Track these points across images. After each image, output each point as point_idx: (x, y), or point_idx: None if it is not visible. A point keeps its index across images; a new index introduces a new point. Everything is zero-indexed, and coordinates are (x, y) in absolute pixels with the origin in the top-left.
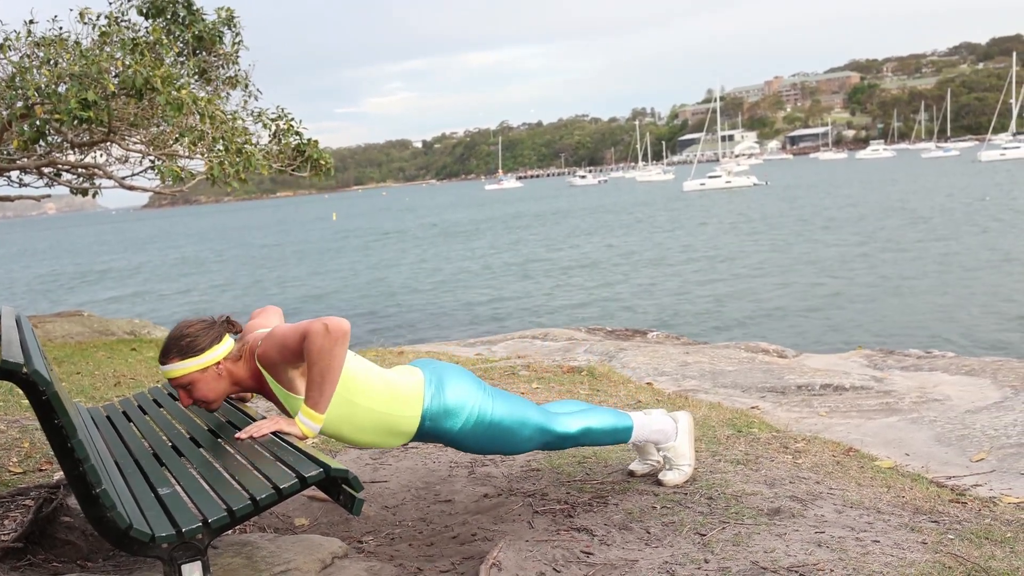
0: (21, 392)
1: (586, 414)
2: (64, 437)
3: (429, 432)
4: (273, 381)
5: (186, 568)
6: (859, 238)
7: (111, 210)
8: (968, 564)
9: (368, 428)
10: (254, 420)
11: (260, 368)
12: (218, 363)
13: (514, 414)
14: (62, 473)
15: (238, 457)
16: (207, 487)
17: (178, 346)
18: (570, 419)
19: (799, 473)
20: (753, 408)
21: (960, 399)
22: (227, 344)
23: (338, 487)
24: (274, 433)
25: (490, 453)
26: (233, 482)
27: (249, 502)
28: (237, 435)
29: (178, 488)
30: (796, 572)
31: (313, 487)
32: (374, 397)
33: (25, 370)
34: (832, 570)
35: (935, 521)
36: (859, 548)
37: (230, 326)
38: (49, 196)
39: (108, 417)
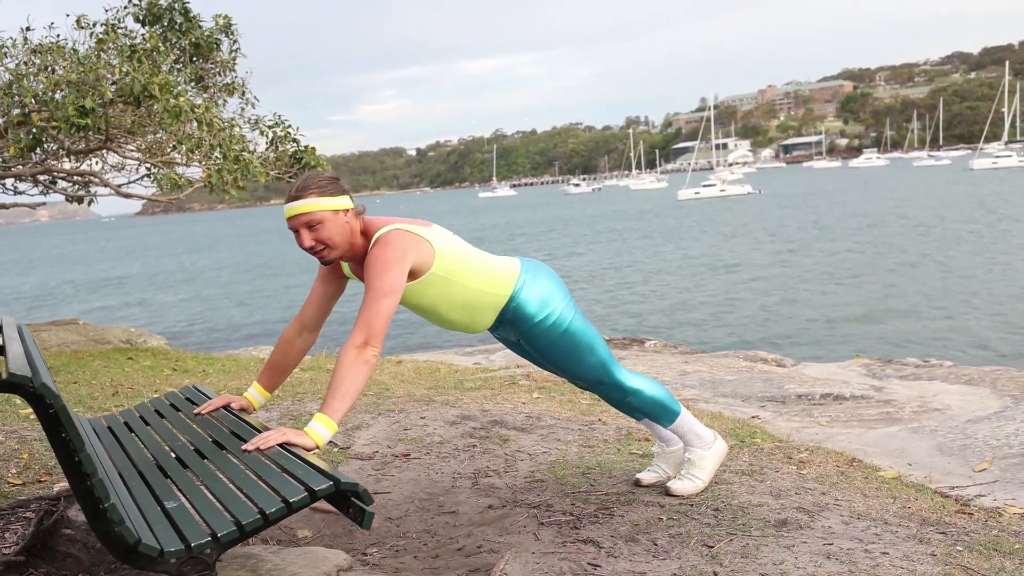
0: (19, 402)
1: (645, 379)
2: (71, 451)
3: (512, 315)
4: None
5: None
6: (854, 246)
7: (103, 217)
8: None
9: (460, 304)
10: (260, 431)
11: (370, 252)
12: (347, 211)
13: (588, 336)
14: (62, 485)
15: (244, 469)
16: (214, 500)
17: (317, 184)
18: (630, 374)
19: (804, 484)
20: (754, 418)
21: (960, 409)
22: (350, 202)
23: (347, 500)
24: (281, 445)
25: (552, 363)
26: (241, 495)
27: (259, 516)
28: (244, 447)
29: (184, 501)
30: None
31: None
32: (471, 276)
33: (33, 383)
34: None
35: (943, 532)
36: (868, 560)
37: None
38: (44, 204)
39: (109, 428)
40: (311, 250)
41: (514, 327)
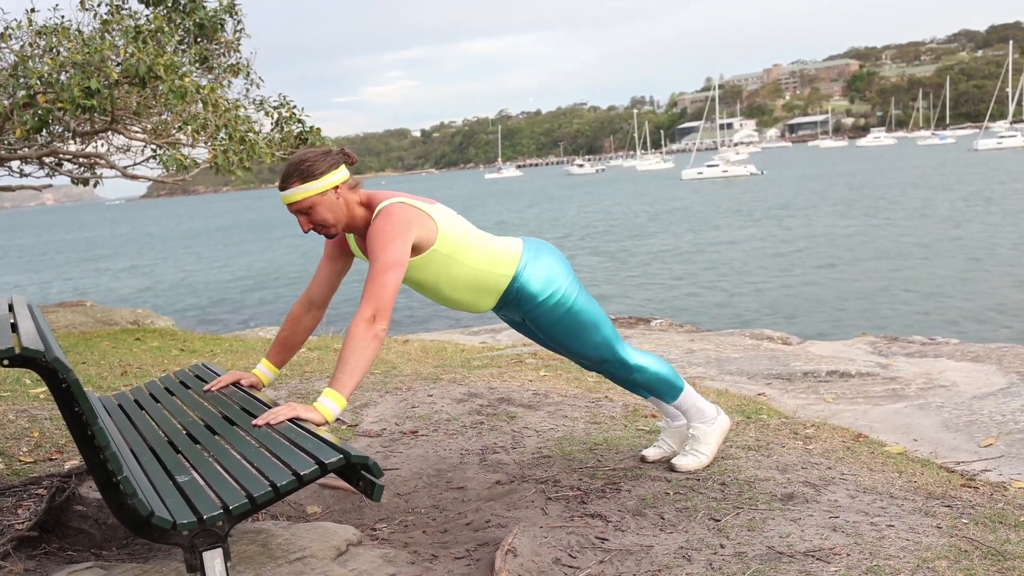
0: (29, 381)
1: (649, 356)
2: (85, 424)
3: (516, 295)
4: None
5: (207, 555)
6: (857, 226)
7: (108, 200)
8: (984, 548)
9: (462, 285)
10: (270, 407)
11: (372, 225)
12: (336, 188)
13: (593, 314)
14: (73, 462)
15: (255, 444)
16: (226, 474)
17: (298, 171)
18: (635, 351)
19: (810, 459)
20: (760, 395)
21: (966, 385)
22: (343, 172)
23: (357, 473)
24: (291, 420)
25: (557, 343)
26: (252, 469)
27: (269, 489)
28: (254, 422)
29: (196, 475)
30: (812, 556)
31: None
32: (473, 255)
33: (46, 358)
34: (849, 554)
35: (948, 506)
36: (874, 532)
37: (346, 156)
38: (50, 186)
39: (120, 406)
40: (314, 231)
41: (518, 307)
